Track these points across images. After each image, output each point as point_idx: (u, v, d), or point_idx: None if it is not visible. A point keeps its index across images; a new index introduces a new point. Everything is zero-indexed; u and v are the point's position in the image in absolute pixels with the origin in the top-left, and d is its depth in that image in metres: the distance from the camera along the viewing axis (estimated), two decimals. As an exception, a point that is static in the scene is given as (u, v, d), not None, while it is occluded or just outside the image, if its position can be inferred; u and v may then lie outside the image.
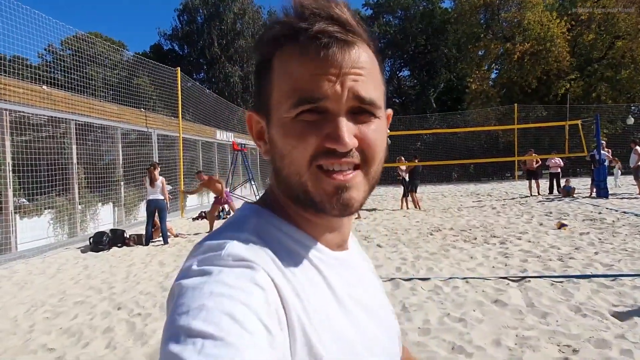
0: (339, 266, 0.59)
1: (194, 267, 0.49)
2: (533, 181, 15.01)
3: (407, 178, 12.52)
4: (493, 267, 5.52)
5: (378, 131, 0.54)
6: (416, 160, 12.97)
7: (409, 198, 12.69)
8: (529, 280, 4.73)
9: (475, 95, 27.13)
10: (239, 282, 0.47)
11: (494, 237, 7.63)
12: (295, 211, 0.58)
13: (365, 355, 0.54)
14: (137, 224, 12.22)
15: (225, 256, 0.49)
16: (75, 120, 10.19)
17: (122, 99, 12.27)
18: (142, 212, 13.29)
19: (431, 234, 8.26)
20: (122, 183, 12.18)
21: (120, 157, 12.17)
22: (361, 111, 0.53)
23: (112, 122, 11.64)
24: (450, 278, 5.06)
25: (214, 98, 19.89)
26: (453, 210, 11.88)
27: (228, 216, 12.20)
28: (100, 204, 11.27)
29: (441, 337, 3.42)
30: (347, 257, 0.62)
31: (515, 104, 23.46)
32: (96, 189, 11.08)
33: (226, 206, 12.39)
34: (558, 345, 3.17)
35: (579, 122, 13.58)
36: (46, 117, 9.56)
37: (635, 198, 12.25)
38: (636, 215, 9.08)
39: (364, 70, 0.52)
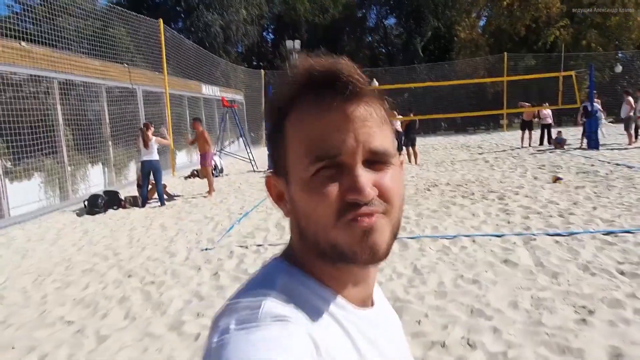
0: (364, 325, 0.59)
1: (232, 325, 0.49)
2: (526, 132, 15.11)
3: (401, 131, 12.46)
4: (497, 224, 5.62)
5: (394, 178, 0.55)
6: (412, 114, 12.87)
7: (404, 152, 12.69)
8: (535, 239, 4.84)
9: (463, 45, 26.64)
10: (280, 335, 0.48)
11: (492, 192, 7.74)
12: (320, 268, 0.58)
13: None
14: (128, 185, 12.05)
15: (263, 315, 0.50)
16: (58, 78, 9.73)
17: (98, 52, 11.65)
18: (132, 172, 13.10)
19: (429, 190, 8.34)
20: (110, 142, 11.88)
21: (107, 116, 11.79)
22: (375, 161, 0.54)
23: (95, 79, 11.18)
24: (456, 236, 5.15)
25: (195, 49, 19.09)
26: (447, 164, 11.96)
27: (221, 174, 11.98)
28: (90, 165, 11.02)
29: (458, 301, 3.51)
30: (372, 315, 0.62)
31: (505, 53, 23.17)
32: (85, 150, 10.78)
33: (219, 162, 12.20)
34: (573, 307, 3.28)
35: (572, 73, 13.51)
36: (27, 76, 9.10)
37: (625, 149, 12.47)
38: (628, 167, 9.27)
39: (374, 122, 0.54)
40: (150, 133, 8.87)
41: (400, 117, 12.49)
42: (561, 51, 20.94)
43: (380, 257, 0.54)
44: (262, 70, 26.46)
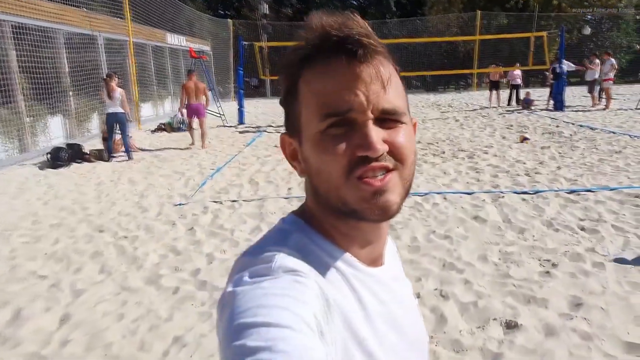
0: (372, 283, 0.61)
1: (246, 277, 0.51)
2: (494, 92, 15.33)
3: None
4: (467, 182, 5.79)
5: (406, 135, 0.56)
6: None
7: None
8: (503, 196, 5.03)
9: (437, 0, 26.27)
10: (292, 286, 0.50)
11: (462, 150, 7.91)
12: (333, 225, 0.60)
13: None
14: (91, 137, 11.60)
15: (276, 268, 0.52)
16: (10, 20, 9.03)
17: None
18: (95, 124, 12.57)
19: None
20: (70, 93, 11.28)
21: (66, 64, 11.12)
22: (387, 120, 0.55)
23: (52, 23, 10.43)
24: (428, 193, 5.28)
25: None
26: (418, 123, 12.04)
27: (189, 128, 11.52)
28: (50, 117, 10.48)
29: (431, 255, 3.65)
30: (381, 273, 0.63)
31: (479, 11, 23.04)
32: (44, 100, 10.21)
33: (184, 116, 11.74)
34: (538, 260, 3.47)
35: (544, 34, 13.61)
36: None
37: (588, 111, 12.88)
38: (591, 128, 9.62)
39: (385, 82, 0.54)
40: (114, 84, 8.47)
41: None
42: (533, 10, 20.99)
43: (391, 214, 0.55)
44: (230, 20, 25.37)
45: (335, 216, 0.59)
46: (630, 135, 8.57)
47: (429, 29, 25.42)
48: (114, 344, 2.71)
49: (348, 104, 0.53)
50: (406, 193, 0.57)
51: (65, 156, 8.25)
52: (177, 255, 3.96)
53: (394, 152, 0.55)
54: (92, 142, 10.40)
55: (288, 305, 0.46)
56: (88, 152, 8.73)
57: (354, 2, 37.70)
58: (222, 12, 32.63)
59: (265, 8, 25.10)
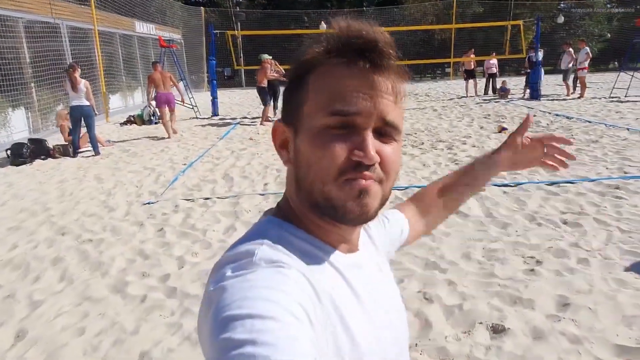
0: (353, 266, 0.63)
1: (229, 273, 0.51)
2: (471, 81, 15.31)
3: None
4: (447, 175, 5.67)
5: (396, 152, 0.58)
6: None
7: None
8: (484, 189, 4.93)
9: (414, -12, 26.15)
10: (275, 277, 0.50)
11: (441, 141, 7.82)
12: (311, 220, 0.61)
13: (380, 354, 0.59)
14: (56, 132, 11.08)
15: (258, 260, 0.52)
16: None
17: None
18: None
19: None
20: (32, 85, 10.71)
21: (27, 54, 10.55)
22: (384, 133, 0.56)
23: (10, 11, 9.84)
24: (409, 187, 5.15)
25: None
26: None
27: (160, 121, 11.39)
28: (10, 110, 9.95)
29: (413, 254, 3.51)
30: (357, 259, 0.65)
31: (454, 0, 23.02)
32: (3, 92, 9.66)
33: (154, 107, 11.49)
34: (522, 257, 3.37)
35: (520, 22, 13.63)
36: None
37: (564, 100, 13.00)
38: (567, 118, 9.68)
39: (394, 96, 0.56)
40: (77, 75, 8.03)
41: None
42: (508, -1, 21.12)
43: (368, 218, 0.58)
44: (202, 8, 24.69)
45: (313, 210, 0.60)
46: (605, 124, 8.64)
47: (405, 17, 25.33)
48: (74, 363, 2.48)
49: (357, 107, 0.54)
50: (382, 205, 0.59)
51: (27, 152, 7.82)
52: (145, 259, 3.72)
53: (383, 166, 0.56)
54: (58, 137, 9.92)
55: (272, 297, 0.47)
56: (52, 148, 8.29)
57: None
58: (193, 0, 31.80)
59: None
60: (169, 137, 9.56)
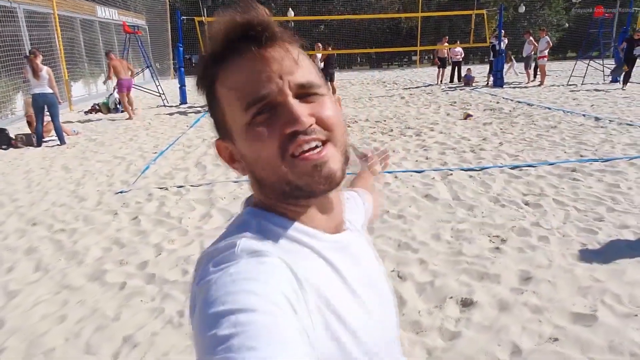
0: (339, 249, 0.63)
1: (211, 268, 0.51)
2: (441, 70, 15.56)
3: (321, 67, 12.25)
4: (416, 160, 5.87)
5: (327, 106, 0.58)
6: (330, 48, 12.62)
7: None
8: (451, 174, 5.14)
9: (380, -24, 26.19)
10: (257, 268, 0.50)
11: (409, 128, 8.02)
12: (287, 208, 0.61)
13: (370, 336, 0.59)
14: (16, 120, 10.68)
15: (239, 252, 0.52)
16: None
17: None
18: (19, 106, 11.57)
19: (349, 126, 8.42)
20: (-11, 71, 10.25)
21: (-19, 39, 10.07)
22: (305, 94, 0.56)
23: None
24: (380, 172, 5.29)
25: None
26: (365, 100, 12.10)
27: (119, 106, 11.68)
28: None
29: (386, 235, 3.66)
30: (344, 238, 0.65)
31: (420, -12, 23.25)
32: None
33: (117, 95, 11.45)
34: (489, 236, 3.58)
35: (484, 11, 13.98)
36: None
37: (525, 87, 13.47)
38: (529, 104, 10.08)
39: (294, 59, 0.56)
40: (39, 61, 7.75)
41: (322, 50, 12.21)
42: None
43: (336, 182, 0.57)
44: (166, -7, 24.01)
45: (285, 199, 0.60)
46: (563, 111, 9.06)
47: (372, 5, 25.41)
48: (56, 349, 2.49)
49: (265, 88, 0.54)
50: (345, 160, 0.59)
51: (-14, 142, 7.52)
52: (121, 247, 3.72)
53: (322, 124, 0.56)
54: (18, 126, 9.57)
55: (254, 289, 0.47)
56: (14, 137, 8.00)
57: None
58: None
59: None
60: (130, 118, 10.37)
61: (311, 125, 0.55)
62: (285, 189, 0.57)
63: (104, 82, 10.99)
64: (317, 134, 0.55)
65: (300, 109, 0.54)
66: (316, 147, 0.55)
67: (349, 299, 0.59)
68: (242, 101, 0.55)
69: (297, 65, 0.56)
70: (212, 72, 0.59)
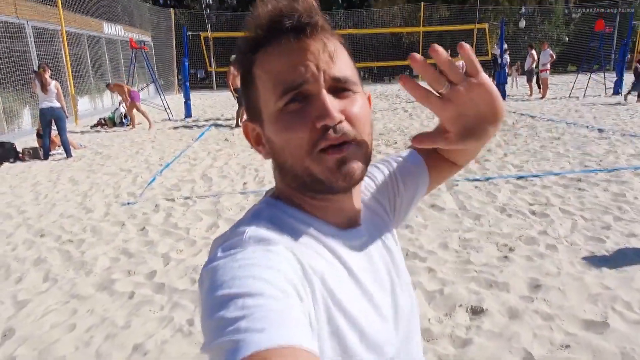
0: (352, 242, 0.63)
1: (219, 253, 0.53)
2: None
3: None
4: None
5: (359, 104, 0.58)
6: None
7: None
8: (457, 184, 5.16)
9: (381, -8, 26.64)
10: (264, 255, 0.51)
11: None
12: (303, 199, 0.62)
13: (375, 330, 0.58)
14: (23, 134, 10.79)
15: (247, 239, 0.54)
16: None
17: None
18: (26, 120, 11.71)
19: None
20: (-3, 86, 10.39)
21: (-10, 55, 10.23)
22: (339, 90, 0.57)
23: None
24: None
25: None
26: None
27: (125, 119, 11.97)
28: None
29: (394, 244, 3.66)
30: (357, 233, 0.65)
31: (422, 3, 23.58)
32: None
33: (123, 109, 11.74)
34: (496, 245, 3.58)
35: (486, 25, 14.15)
36: None
37: (527, 100, 13.55)
38: (531, 117, 10.13)
39: (333, 52, 0.57)
40: (47, 76, 7.86)
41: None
42: (473, 3, 21.76)
43: (356, 181, 0.58)
44: (172, 9, 24.37)
45: (304, 190, 0.61)
46: (566, 123, 9.10)
47: (374, 21, 25.74)
48: (67, 357, 2.50)
49: (301, 77, 0.55)
50: (367, 161, 0.60)
51: (-6, 156, 7.59)
52: (129, 257, 3.73)
53: (351, 121, 0.56)
54: (25, 140, 9.66)
55: (261, 274, 0.47)
56: (21, 151, 8.07)
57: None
58: (162, 1, 31.32)
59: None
60: (132, 127, 11.22)
61: (340, 121, 0.55)
62: (306, 180, 0.58)
63: (121, 105, 11.84)
64: (344, 131, 0.55)
65: (333, 103, 0.55)
66: (342, 144, 0.56)
67: (357, 295, 0.59)
68: (278, 87, 0.56)
69: (335, 58, 0.57)
70: (252, 55, 0.60)
